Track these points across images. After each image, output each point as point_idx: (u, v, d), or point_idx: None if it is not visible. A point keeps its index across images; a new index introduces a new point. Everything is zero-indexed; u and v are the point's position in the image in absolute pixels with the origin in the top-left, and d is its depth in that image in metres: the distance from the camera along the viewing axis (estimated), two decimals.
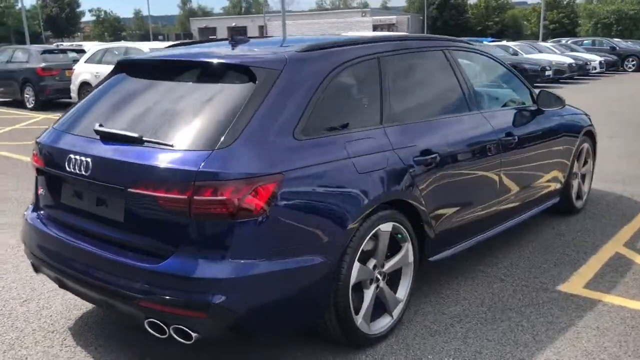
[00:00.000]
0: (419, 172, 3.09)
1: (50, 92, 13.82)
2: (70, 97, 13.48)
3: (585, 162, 5.17)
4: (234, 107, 2.55)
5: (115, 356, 2.92)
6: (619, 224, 4.80)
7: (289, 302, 2.56)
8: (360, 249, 2.77)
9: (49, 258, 2.86)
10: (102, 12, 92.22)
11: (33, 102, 13.98)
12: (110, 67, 3.34)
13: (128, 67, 3.17)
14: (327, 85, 2.81)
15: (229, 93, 2.67)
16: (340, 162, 2.70)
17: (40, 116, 12.83)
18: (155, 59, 3.22)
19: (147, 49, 12.07)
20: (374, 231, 2.83)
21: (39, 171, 3.03)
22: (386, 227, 2.90)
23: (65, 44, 30.68)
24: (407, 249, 3.09)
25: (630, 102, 14.49)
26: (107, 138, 2.66)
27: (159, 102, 2.82)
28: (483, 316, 3.27)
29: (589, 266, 3.96)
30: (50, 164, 2.89)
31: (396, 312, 3.08)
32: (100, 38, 78.67)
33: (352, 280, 2.75)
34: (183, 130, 2.57)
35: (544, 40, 36.03)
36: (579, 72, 21.89)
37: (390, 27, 56.54)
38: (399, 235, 3.04)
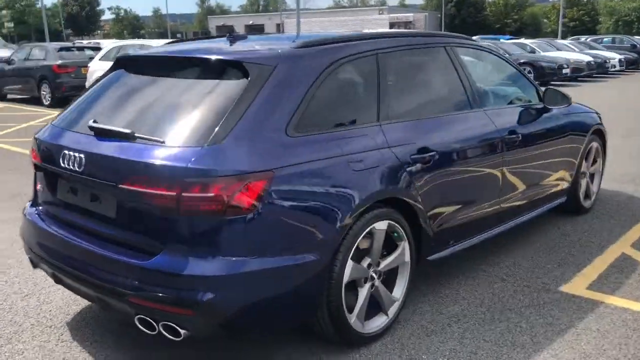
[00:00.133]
0: (416, 170, 3.05)
1: (66, 89, 13.95)
2: None
3: (595, 161, 5.08)
4: (226, 103, 2.55)
5: (110, 351, 2.93)
6: (627, 225, 4.71)
7: (280, 300, 2.55)
8: (354, 248, 2.74)
9: (45, 254, 2.88)
10: (122, 11, 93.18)
11: (49, 99, 14.14)
12: None
13: (126, 64, 3.17)
14: (322, 81, 2.79)
15: (222, 89, 2.66)
16: (333, 160, 2.67)
17: (56, 113, 12.84)
18: (151, 55, 3.23)
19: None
20: (368, 229, 2.80)
21: (36, 167, 3.06)
22: (381, 225, 2.87)
23: (85, 42, 31.03)
24: (404, 248, 3.06)
25: None
26: (101, 134, 2.67)
27: (154, 98, 2.82)
28: (481, 316, 3.23)
29: (593, 267, 3.89)
30: (47, 159, 2.91)
31: (392, 311, 3.05)
32: (120, 36, 79.40)
33: (345, 278, 2.73)
34: (175, 127, 2.57)
35: (564, 38, 35.60)
36: (598, 70, 21.57)
37: (407, 24, 56.31)
38: (395, 234, 3.01)
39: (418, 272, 3.34)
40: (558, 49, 22.85)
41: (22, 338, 3.07)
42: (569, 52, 22.42)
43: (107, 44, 15.63)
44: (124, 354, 2.91)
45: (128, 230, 2.55)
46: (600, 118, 5.10)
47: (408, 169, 3.00)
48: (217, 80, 2.72)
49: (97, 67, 13.19)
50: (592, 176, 5.10)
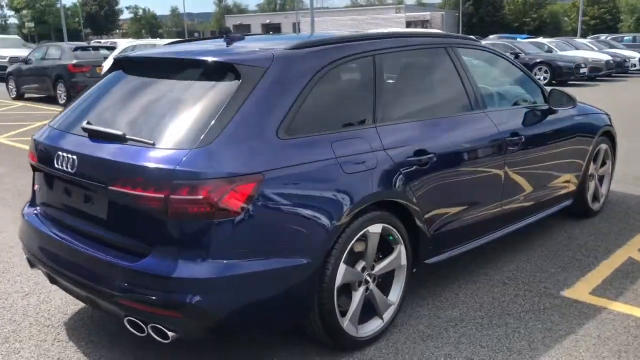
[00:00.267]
0: (412, 173, 3.02)
1: (82, 88, 13.95)
2: None
3: (604, 163, 4.99)
4: (217, 105, 2.53)
5: (105, 351, 2.94)
6: (636, 229, 4.61)
7: (270, 303, 2.53)
8: (346, 251, 2.71)
9: (40, 254, 2.90)
10: (140, 10, 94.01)
11: (65, 97, 14.28)
12: None
13: (123, 64, 3.18)
14: (316, 83, 2.77)
15: (215, 91, 2.65)
16: (325, 162, 2.65)
17: None
18: (147, 56, 3.23)
19: None
20: (361, 233, 2.78)
21: (33, 168, 3.08)
22: (375, 228, 2.84)
23: (102, 41, 31.33)
24: (400, 251, 3.02)
25: None
26: (94, 136, 2.68)
27: (147, 99, 2.82)
28: (479, 321, 3.19)
29: (598, 271, 3.82)
30: (43, 160, 2.92)
31: (387, 315, 3.02)
32: (138, 35, 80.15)
33: (338, 282, 2.70)
34: (165, 129, 2.56)
35: (585, 36, 35.11)
36: (617, 69, 21.21)
37: (423, 23, 55.98)
38: (391, 237, 2.98)
39: (417, 275, 3.30)
40: (576, 48, 22.53)
41: (19, 337, 3.09)
42: (587, 51, 22.09)
43: (122, 43, 15.74)
44: (119, 353, 2.92)
45: (119, 232, 2.55)
46: (610, 119, 5.00)
47: (404, 171, 2.96)
48: (209, 82, 2.71)
49: None
50: (601, 178, 5.01)
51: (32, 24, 64.70)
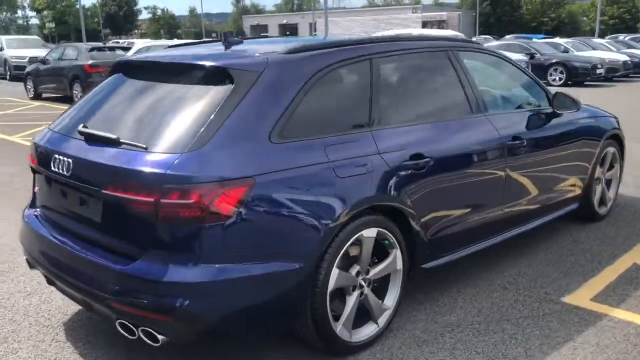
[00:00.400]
0: (409, 177, 3.00)
1: None
2: None
3: (611, 167, 4.92)
4: (210, 109, 2.55)
5: (102, 352, 2.97)
6: None
7: (261, 307, 2.54)
8: (340, 256, 2.71)
9: (38, 255, 2.94)
10: (158, 10, 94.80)
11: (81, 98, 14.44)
12: None
13: (123, 68, 3.21)
14: (310, 87, 2.77)
15: (208, 96, 2.66)
16: (318, 167, 2.65)
17: None
18: (145, 60, 3.25)
19: None
20: (355, 237, 2.77)
21: (33, 170, 3.12)
22: (370, 233, 2.83)
23: (120, 41, 31.64)
24: (395, 256, 3.01)
25: None
26: (90, 139, 2.71)
27: (144, 103, 2.84)
28: (476, 327, 3.16)
29: (601, 277, 3.77)
30: (41, 163, 2.96)
31: (382, 320, 3.00)
32: (157, 35, 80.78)
33: (331, 286, 2.70)
34: (158, 133, 2.57)
35: (603, 36, 34.64)
36: (635, 70, 20.88)
37: (440, 23, 55.68)
38: (386, 241, 2.96)
39: (415, 279, 3.29)
40: (593, 48, 22.23)
41: (18, 337, 3.13)
42: (604, 51, 21.79)
43: (138, 44, 15.89)
44: (116, 354, 2.94)
45: (112, 235, 2.57)
46: (618, 123, 4.94)
47: (400, 175, 2.95)
48: (204, 86, 2.72)
49: None
50: (608, 182, 4.94)
51: (52, 25, 65.61)
